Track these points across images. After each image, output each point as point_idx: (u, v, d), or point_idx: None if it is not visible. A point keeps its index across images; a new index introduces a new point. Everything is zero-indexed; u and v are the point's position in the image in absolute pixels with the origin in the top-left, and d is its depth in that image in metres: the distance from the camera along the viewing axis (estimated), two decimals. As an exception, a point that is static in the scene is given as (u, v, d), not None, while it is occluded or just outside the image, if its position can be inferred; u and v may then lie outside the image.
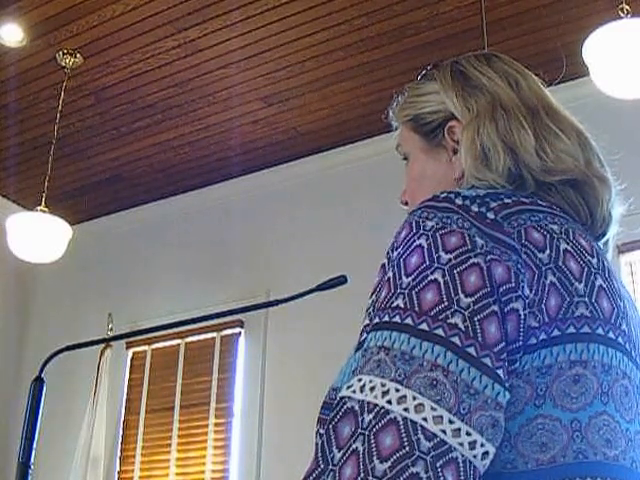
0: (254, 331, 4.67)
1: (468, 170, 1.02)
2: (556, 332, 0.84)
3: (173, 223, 5.30)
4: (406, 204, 1.15)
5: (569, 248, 0.89)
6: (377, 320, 0.83)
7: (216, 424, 4.60)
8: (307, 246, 4.70)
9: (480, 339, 0.79)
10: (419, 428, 0.74)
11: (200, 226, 5.19)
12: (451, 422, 0.75)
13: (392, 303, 0.83)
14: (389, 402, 0.76)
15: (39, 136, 4.73)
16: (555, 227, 0.91)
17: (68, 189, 5.27)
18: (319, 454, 0.77)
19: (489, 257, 0.83)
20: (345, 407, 0.78)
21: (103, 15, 3.83)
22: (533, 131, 1.01)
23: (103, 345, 4.92)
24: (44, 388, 1.74)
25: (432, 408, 0.75)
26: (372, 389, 0.77)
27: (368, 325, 0.86)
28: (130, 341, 4.98)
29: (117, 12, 3.81)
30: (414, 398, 0.76)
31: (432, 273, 0.82)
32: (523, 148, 1.00)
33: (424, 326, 0.79)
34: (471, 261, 0.82)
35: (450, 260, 0.83)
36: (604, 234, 1.04)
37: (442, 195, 0.90)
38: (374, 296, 0.88)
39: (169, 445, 4.69)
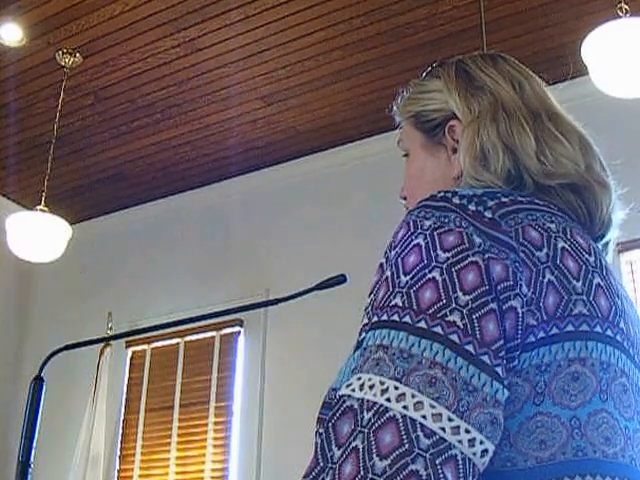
0: (254, 330, 4.68)
1: (466, 170, 1.02)
2: (555, 330, 0.84)
3: (172, 222, 5.30)
4: (405, 199, 1.15)
5: (567, 246, 0.90)
6: (375, 319, 0.83)
7: (216, 423, 4.61)
8: (306, 245, 4.70)
9: (478, 337, 0.79)
10: (418, 426, 0.74)
11: (199, 225, 5.19)
12: (450, 420, 0.75)
13: (390, 302, 0.83)
14: (388, 400, 0.76)
15: (39, 135, 4.73)
16: (552, 226, 0.91)
17: (68, 188, 5.27)
18: (319, 452, 0.77)
19: (487, 255, 0.83)
20: (344, 405, 0.78)
21: (102, 15, 3.83)
22: (534, 134, 1.01)
23: (103, 344, 4.92)
24: (44, 387, 1.74)
25: (431, 406, 0.75)
26: (371, 387, 0.78)
27: (367, 324, 0.86)
28: (130, 340, 4.98)
29: (116, 12, 3.81)
30: (413, 396, 0.76)
31: (430, 272, 0.82)
32: (523, 151, 1.00)
33: (422, 324, 0.80)
34: (469, 259, 0.83)
35: (448, 259, 0.83)
36: (603, 236, 1.04)
37: (439, 194, 0.90)
38: (372, 295, 0.88)
39: (169, 444, 4.70)
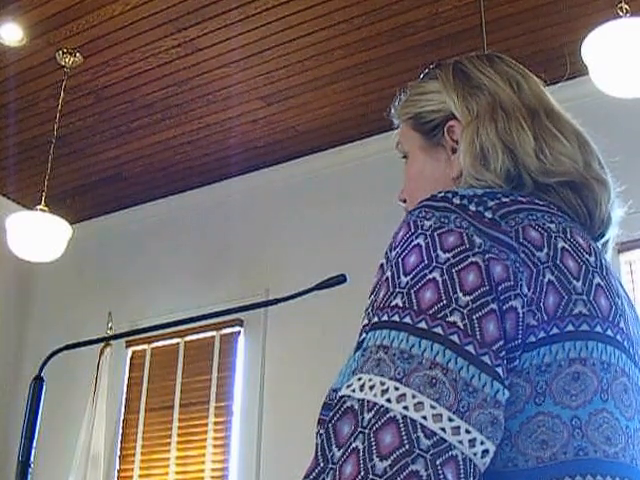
0: (253, 330, 4.68)
1: (466, 170, 1.02)
2: (555, 330, 0.84)
3: (173, 222, 5.30)
4: (404, 201, 1.15)
5: (567, 246, 0.90)
6: (376, 319, 0.83)
7: (216, 423, 4.61)
8: (306, 245, 4.71)
9: (479, 337, 0.79)
10: (419, 426, 0.74)
11: (199, 225, 5.19)
12: (450, 420, 0.75)
13: (391, 302, 0.83)
14: (388, 400, 0.76)
15: (39, 135, 4.73)
16: (552, 226, 0.91)
17: (68, 188, 5.27)
18: (319, 453, 0.77)
19: (487, 256, 0.83)
20: (345, 406, 0.78)
21: (103, 14, 3.83)
22: (533, 133, 1.01)
23: (103, 344, 4.93)
24: (44, 387, 1.74)
25: (431, 406, 0.75)
26: (371, 388, 0.77)
27: (367, 325, 0.86)
28: (130, 340, 4.99)
29: (116, 11, 3.81)
30: (413, 396, 0.76)
31: (430, 272, 0.82)
32: (522, 149, 1.00)
33: (423, 324, 0.80)
34: (469, 260, 0.83)
35: (448, 259, 0.83)
36: (603, 235, 1.04)
37: (440, 195, 0.90)
38: (373, 296, 0.89)
39: (169, 444, 4.70)
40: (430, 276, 0.82)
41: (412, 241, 0.86)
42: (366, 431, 0.75)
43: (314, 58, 4.10)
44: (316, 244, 4.66)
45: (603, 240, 1.05)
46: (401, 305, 0.82)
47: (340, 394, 0.80)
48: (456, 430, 0.75)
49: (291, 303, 1.83)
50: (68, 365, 4.31)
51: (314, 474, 0.76)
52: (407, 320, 0.80)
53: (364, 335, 0.85)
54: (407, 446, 0.73)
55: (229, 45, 4.02)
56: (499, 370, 0.79)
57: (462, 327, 0.79)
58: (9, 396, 5.22)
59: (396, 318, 0.81)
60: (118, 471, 4.84)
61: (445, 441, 0.74)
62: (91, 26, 3.92)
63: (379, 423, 0.75)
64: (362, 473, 0.72)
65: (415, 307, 0.81)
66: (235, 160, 4.95)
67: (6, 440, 5.06)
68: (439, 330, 0.79)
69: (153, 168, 5.09)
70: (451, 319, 0.79)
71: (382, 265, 0.89)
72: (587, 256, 0.91)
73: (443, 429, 0.75)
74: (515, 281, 0.83)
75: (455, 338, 0.79)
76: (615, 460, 0.84)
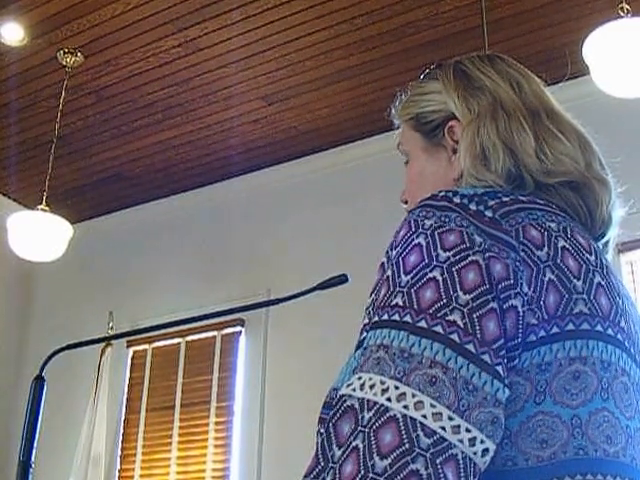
0: (255, 330, 4.68)
1: (467, 170, 1.02)
2: (555, 329, 0.84)
3: (174, 222, 5.30)
4: (406, 202, 1.15)
5: (567, 246, 0.90)
6: (376, 318, 0.83)
7: (217, 423, 4.61)
8: (308, 245, 4.71)
9: (479, 336, 0.79)
10: (419, 425, 0.74)
11: (201, 225, 5.19)
12: (450, 419, 0.75)
13: (391, 301, 0.83)
14: (389, 399, 0.76)
15: (40, 135, 4.73)
16: (553, 225, 0.91)
17: (69, 188, 5.27)
18: (319, 452, 0.77)
19: (487, 255, 0.83)
20: (345, 405, 0.78)
21: (104, 14, 3.84)
22: (533, 133, 1.02)
23: (104, 344, 4.93)
24: (45, 387, 1.74)
25: (431, 405, 0.75)
26: (372, 387, 0.78)
27: (368, 324, 0.86)
28: (131, 340, 4.99)
29: (117, 11, 3.81)
30: (413, 395, 0.76)
31: (431, 271, 0.83)
32: (523, 149, 1.00)
33: (423, 323, 0.80)
34: (470, 259, 0.83)
35: (449, 258, 0.83)
36: (603, 235, 1.04)
37: (440, 194, 0.90)
38: (373, 295, 0.89)
39: (170, 444, 4.70)
40: (430, 275, 0.82)
41: (413, 240, 0.86)
42: (366, 430, 0.75)
43: (315, 58, 4.10)
44: (317, 244, 4.66)
45: (604, 240, 1.05)
46: (401, 304, 0.82)
47: (340, 393, 0.80)
48: (456, 429, 0.75)
49: (292, 303, 1.83)
50: (69, 365, 4.31)
51: (314, 473, 0.76)
52: (407, 319, 0.80)
53: (364, 334, 0.85)
54: (407, 445, 0.73)
55: (230, 45, 4.02)
56: (499, 369, 0.79)
57: (462, 326, 0.79)
58: (10, 396, 5.23)
59: (396, 317, 0.81)
60: (119, 471, 4.85)
61: (445, 440, 0.74)
62: (92, 26, 3.92)
63: (379, 422, 0.75)
64: (362, 472, 0.72)
65: (415, 306, 0.81)
66: (235, 160, 4.95)
67: (7, 440, 5.06)
68: (439, 329, 0.79)
69: (153, 168, 5.09)
70: (451, 318, 0.79)
71: (383, 264, 0.89)
72: (587, 255, 0.91)
73: (443, 428, 0.75)
74: (515, 280, 0.83)
75: (455, 337, 0.79)
76: (615, 459, 0.84)
